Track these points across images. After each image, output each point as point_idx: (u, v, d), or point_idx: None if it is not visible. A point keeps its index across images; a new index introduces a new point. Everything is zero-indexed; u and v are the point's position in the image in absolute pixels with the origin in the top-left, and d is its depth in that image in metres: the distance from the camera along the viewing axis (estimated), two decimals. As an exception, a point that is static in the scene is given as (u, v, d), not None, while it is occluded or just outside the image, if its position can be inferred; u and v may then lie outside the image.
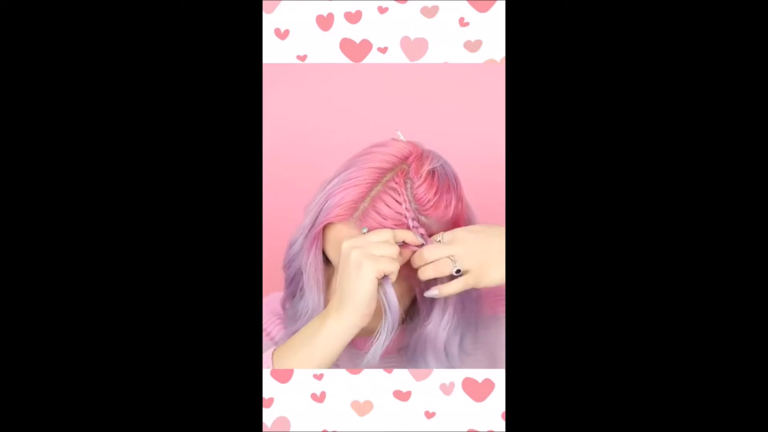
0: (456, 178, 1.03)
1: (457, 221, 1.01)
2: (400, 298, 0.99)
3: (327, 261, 1.02)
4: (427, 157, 1.00)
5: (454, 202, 1.00)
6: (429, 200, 0.98)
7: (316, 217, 0.98)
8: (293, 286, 1.04)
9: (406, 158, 0.99)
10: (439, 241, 0.97)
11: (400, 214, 0.96)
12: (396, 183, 0.97)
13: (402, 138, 1.03)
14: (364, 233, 0.96)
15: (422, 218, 0.97)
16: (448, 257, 0.95)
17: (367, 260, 0.92)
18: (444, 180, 1.00)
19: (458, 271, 0.95)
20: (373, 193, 0.96)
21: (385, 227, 0.96)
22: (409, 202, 0.96)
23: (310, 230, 0.99)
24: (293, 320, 1.05)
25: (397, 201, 0.96)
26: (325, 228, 0.99)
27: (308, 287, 1.01)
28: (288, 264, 1.03)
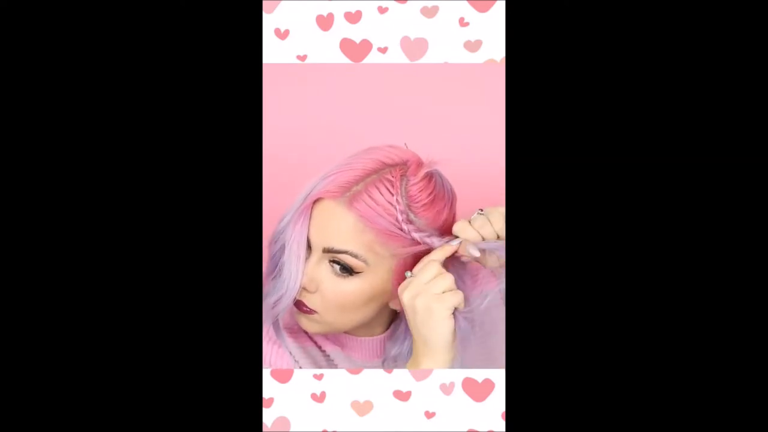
0: (452, 194, 1.03)
1: (447, 231, 1.01)
2: (380, 314, 1.03)
3: (308, 248, 1.01)
4: (425, 165, 1.01)
5: (446, 213, 1.01)
6: (421, 200, 0.98)
7: (309, 193, 0.98)
8: (273, 262, 1.02)
9: (406, 161, 1.00)
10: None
11: (391, 204, 0.96)
12: (392, 176, 0.98)
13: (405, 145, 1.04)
14: (410, 276, 0.98)
15: (411, 216, 0.98)
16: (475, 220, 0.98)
17: (435, 303, 0.95)
18: (440, 188, 1.01)
19: (481, 210, 0.98)
20: (368, 179, 0.97)
21: (372, 210, 0.96)
22: (402, 196, 0.97)
23: (300, 205, 0.99)
24: (268, 296, 1.02)
25: (390, 192, 0.97)
26: (313, 207, 0.99)
27: (288, 261, 0.99)
28: (274, 239, 1.02)
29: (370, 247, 0.97)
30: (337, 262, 0.98)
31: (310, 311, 1.01)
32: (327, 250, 0.98)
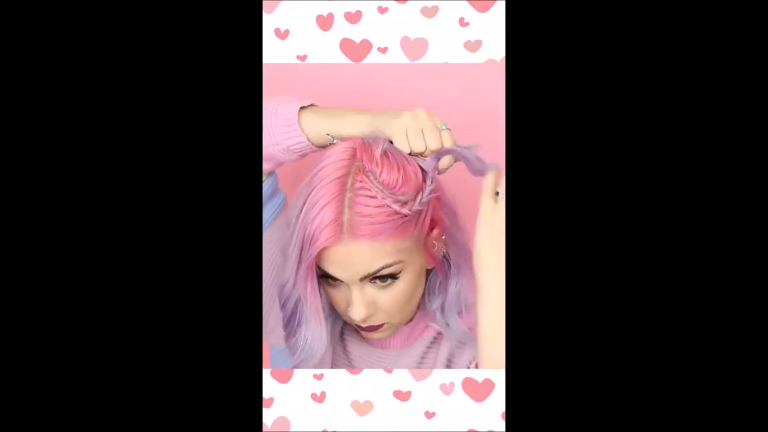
0: (403, 152, 1.00)
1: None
2: (415, 290, 1.02)
3: (328, 282, 1.00)
4: (372, 143, 0.98)
5: (419, 168, 0.98)
6: (397, 179, 0.96)
7: (301, 250, 0.96)
8: (292, 322, 1.03)
9: (355, 155, 0.97)
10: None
11: (381, 207, 0.95)
12: (361, 182, 0.95)
13: (334, 140, 1.00)
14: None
15: (401, 197, 0.95)
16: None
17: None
18: (398, 154, 0.98)
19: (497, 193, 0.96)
20: (346, 202, 0.94)
21: (375, 223, 0.95)
22: (381, 191, 0.95)
23: (299, 265, 0.97)
24: (292, 352, 1.04)
25: (372, 197, 0.95)
26: (318, 256, 0.96)
27: (311, 317, 1.00)
28: (284, 303, 1.02)
29: (397, 250, 0.96)
30: (379, 278, 0.98)
31: (380, 326, 1.02)
32: (364, 277, 0.97)
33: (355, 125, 1.00)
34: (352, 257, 0.96)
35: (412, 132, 0.97)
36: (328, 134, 1.01)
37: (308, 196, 0.96)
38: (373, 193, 0.95)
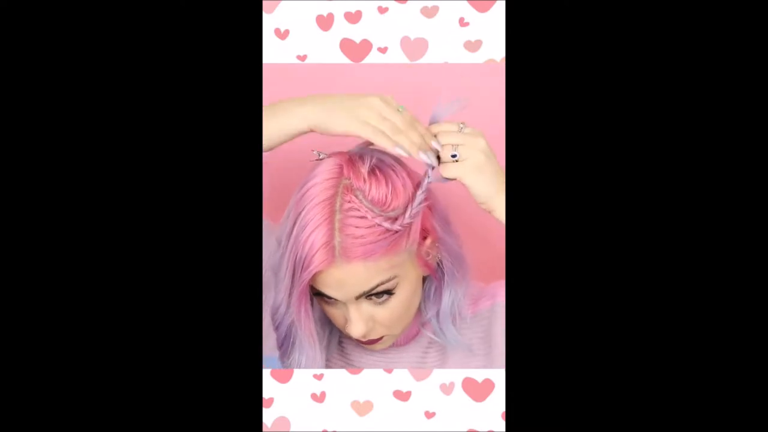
0: (397, 159, 0.99)
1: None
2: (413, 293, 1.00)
3: (324, 299, 0.99)
4: (359, 159, 0.97)
5: (408, 180, 0.97)
6: (386, 195, 0.94)
7: (294, 274, 0.94)
8: (286, 344, 1.02)
9: (342, 173, 0.95)
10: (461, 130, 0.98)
11: (372, 227, 0.93)
12: (349, 202, 0.93)
13: (321, 155, 0.99)
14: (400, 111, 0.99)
15: (391, 214, 0.94)
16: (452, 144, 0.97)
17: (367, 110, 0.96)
18: (386, 168, 0.96)
19: (454, 155, 0.96)
20: (336, 225, 0.93)
21: (367, 243, 0.93)
22: (373, 210, 0.93)
23: (292, 289, 0.95)
24: (284, 367, 1.04)
25: (361, 217, 0.93)
26: (312, 279, 0.95)
27: (305, 341, 1.00)
28: (278, 326, 1.01)
29: (391, 266, 0.95)
30: (375, 294, 0.97)
31: (380, 339, 1.01)
32: (360, 296, 0.96)
33: (297, 119, 0.97)
34: (347, 278, 0.94)
35: (381, 121, 0.97)
36: (313, 151, 0.99)
37: (297, 217, 0.94)
38: (362, 213, 0.93)
